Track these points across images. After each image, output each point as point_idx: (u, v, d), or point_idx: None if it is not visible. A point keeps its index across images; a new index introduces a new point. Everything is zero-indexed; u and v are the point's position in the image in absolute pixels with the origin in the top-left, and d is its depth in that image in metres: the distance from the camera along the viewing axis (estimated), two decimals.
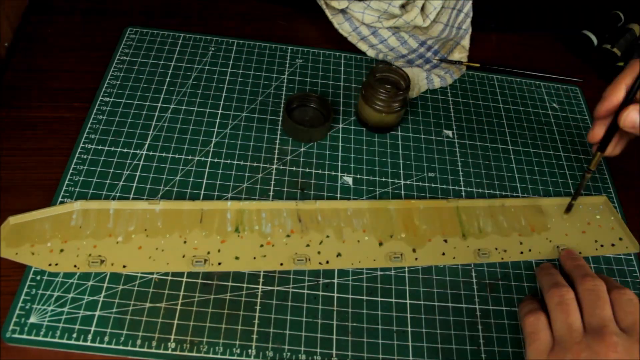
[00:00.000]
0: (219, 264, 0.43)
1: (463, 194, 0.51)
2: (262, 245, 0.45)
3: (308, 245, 0.45)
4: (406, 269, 0.45)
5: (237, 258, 0.44)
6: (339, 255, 0.45)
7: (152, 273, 0.42)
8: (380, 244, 0.46)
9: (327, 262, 0.45)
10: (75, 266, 0.42)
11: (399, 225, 0.48)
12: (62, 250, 0.42)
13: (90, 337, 0.39)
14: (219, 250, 0.44)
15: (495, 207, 0.50)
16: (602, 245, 0.49)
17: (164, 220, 0.45)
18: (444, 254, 0.47)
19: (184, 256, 0.43)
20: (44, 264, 0.41)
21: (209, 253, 0.44)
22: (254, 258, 0.44)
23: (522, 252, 0.48)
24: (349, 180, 0.51)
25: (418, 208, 0.49)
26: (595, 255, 0.49)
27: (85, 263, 0.42)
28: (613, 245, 0.50)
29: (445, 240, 0.47)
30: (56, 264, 0.41)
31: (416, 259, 0.46)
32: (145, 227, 0.45)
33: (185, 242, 0.44)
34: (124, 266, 0.42)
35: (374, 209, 0.48)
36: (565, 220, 0.50)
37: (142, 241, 0.44)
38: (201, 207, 0.46)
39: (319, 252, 0.45)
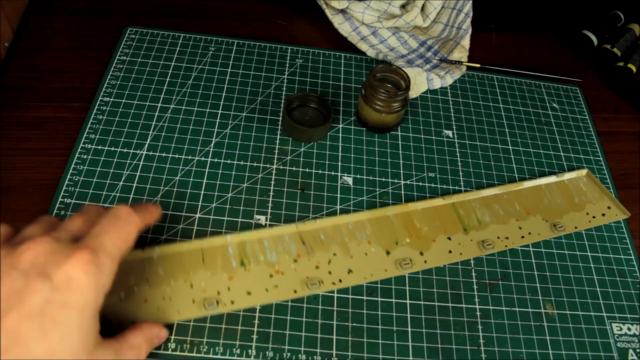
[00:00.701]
0: (232, 302, 0.41)
1: None
2: (271, 275, 0.43)
3: (317, 267, 0.44)
4: None
5: (249, 293, 0.42)
6: (350, 271, 0.44)
7: None
8: (388, 252, 0.46)
9: (340, 280, 0.43)
10: None
11: (402, 231, 0.47)
12: None
13: None
14: (228, 289, 0.42)
15: (488, 197, 0.51)
16: (594, 217, 0.51)
17: (165, 266, 0.42)
18: (450, 251, 0.46)
19: (193, 301, 0.41)
20: None
21: (219, 293, 0.41)
22: (266, 290, 0.42)
23: (523, 237, 0.48)
24: (349, 180, 0.51)
25: (416, 210, 0.49)
26: (589, 227, 0.50)
27: None
28: (604, 215, 0.51)
29: (449, 238, 0.47)
30: None
31: (425, 261, 0.45)
32: (147, 277, 0.41)
33: (191, 285, 0.41)
34: (132, 322, 0.39)
35: (374, 218, 0.48)
36: (556, 198, 0.51)
37: (146, 293, 0.41)
38: (200, 246, 0.43)
39: (329, 272, 0.44)
